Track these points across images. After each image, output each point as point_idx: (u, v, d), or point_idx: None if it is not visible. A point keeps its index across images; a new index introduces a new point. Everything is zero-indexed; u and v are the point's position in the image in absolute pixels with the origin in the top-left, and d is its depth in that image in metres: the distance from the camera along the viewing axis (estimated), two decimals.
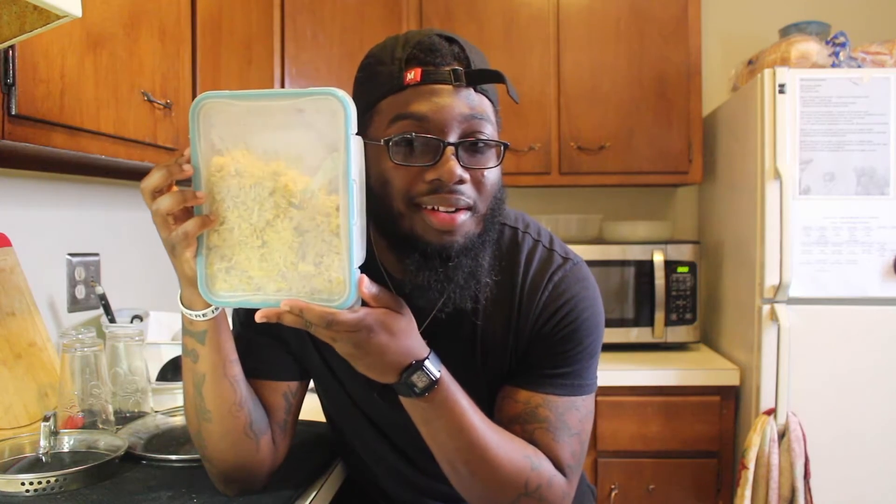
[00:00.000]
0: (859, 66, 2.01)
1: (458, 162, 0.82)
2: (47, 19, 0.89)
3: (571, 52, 2.42)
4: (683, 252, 2.32)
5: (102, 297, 1.54)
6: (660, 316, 2.30)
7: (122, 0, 1.22)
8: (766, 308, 1.97)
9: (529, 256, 0.98)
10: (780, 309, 1.95)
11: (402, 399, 0.84)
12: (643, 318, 2.32)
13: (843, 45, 2.04)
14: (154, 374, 1.50)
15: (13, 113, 0.97)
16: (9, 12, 0.90)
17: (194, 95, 1.50)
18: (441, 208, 0.83)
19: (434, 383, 0.82)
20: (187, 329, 0.87)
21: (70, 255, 1.57)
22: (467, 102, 0.84)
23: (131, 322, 1.62)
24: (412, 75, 0.83)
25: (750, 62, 2.26)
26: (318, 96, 0.72)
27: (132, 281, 1.81)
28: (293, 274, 0.75)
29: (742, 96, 2.18)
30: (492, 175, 0.87)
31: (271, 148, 0.74)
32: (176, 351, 1.53)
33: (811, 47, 2.04)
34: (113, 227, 1.75)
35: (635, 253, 2.32)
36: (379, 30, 2.30)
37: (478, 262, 0.88)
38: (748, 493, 1.91)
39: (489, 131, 0.86)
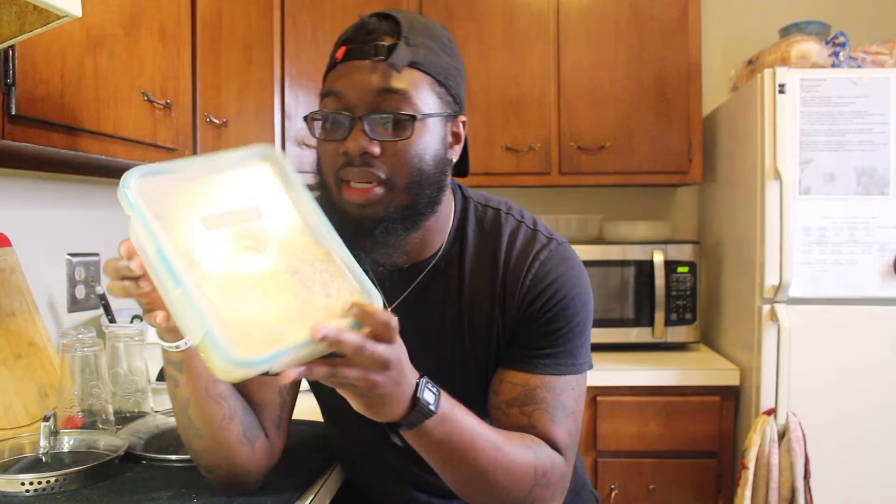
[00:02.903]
0: (859, 66, 2.01)
1: (367, 136, 0.84)
2: (47, 19, 0.89)
3: (571, 52, 2.42)
4: (683, 252, 2.32)
5: (102, 297, 1.54)
6: (660, 316, 2.30)
7: (122, 0, 1.22)
8: (766, 308, 1.97)
9: (512, 235, 0.98)
10: (780, 309, 1.95)
11: (409, 434, 0.79)
12: (643, 318, 2.32)
13: (843, 45, 2.04)
14: (154, 374, 1.50)
15: (13, 113, 0.97)
16: (9, 12, 0.90)
17: (194, 95, 1.50)
18: (354, 183, 0.86)
19: (438, 395, 0.78)
20: (165, 357, 0.87)
21: (70, 255, 1.57)
22: (384, 77, 0.84)
23: (131, 322, 1.62)
24: (339, 53, 0.87)
25: (750, 62, 2.26)
26: (244, 154, 0.73)
27: None
28: (311, 308, 0.69)
29: (742, 96, 2.18)
30: (411, 147, 0.86)
31: (228, 212, 0.71)
32: None
33: (811, 47, 2.04)
34: (113, 227, 1.75)
35: (635, 253, 2.32)
36: None
37: (410, 230, 0.89)
38: (748, 493, 1.91)
39: (414, 104, 0.86)
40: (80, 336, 1.24)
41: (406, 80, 0.85)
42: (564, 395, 0.93)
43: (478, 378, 0.98)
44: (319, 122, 0.88)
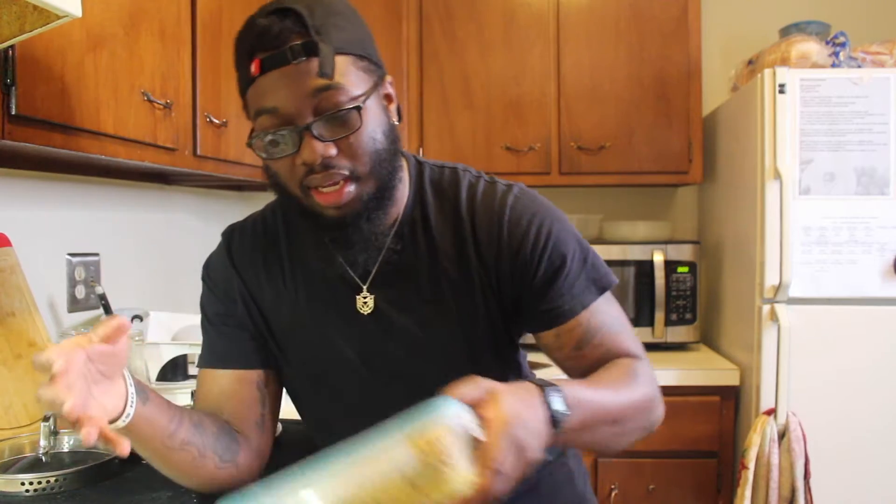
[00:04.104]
0: (859, 66, 2.01)
1: (319, 140, 0.82)
2: (47, 19, 0.90)
3: (571, 52, 2.42)
4: (683, 252, 2.32)
5: (102, 297, 1.54)
6: (660, 316, 2.30)
7: (122, 0, 1.22)
8: (766, 308, 1.97)
9: (471, 188, 0.96)
10: (780, 309, 1.95)
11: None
12: (643, 318, 2.32)
13: (843, 45, 2.04)
14: (154, 374, 1.51)
15: (13, 113, 0.97)
16: (9, 12, 0.90)
17: (194, 95, 1.50)
18: (323, 188, 0.84)
19: (562, 392, 0.76)
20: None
21: (70, 255, 1.57)
22: (313, 77, 0.81)
23: (131, 322, 1.62)
24: (254, 67, 0.82)
25: (750, 62, 2.26)
26: None
27: (132, 281, 1.81)
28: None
29: (742, 96, 2.18)
30: (364, 134, 0.84)
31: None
32: (176, 351, 1.53)
33: (811, 47, 2.04)
34: (113, 227, 1.75)
35: (635, 253, 2.32)
36: (379, 30, 2.29)
37: (387, 207, 0.89)
38: (748, 493, 1.91)
39: (349, 91, 0.83)
40: None
41: (335, 68, 0.82)
42: (611, 308, 0.96)
43: (463, 336, 0.95)
44: (265, 144, 0.84)
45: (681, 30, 2.40)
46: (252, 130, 0.86)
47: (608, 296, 0.96)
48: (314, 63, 0.80)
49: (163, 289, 1.91)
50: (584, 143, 2.41)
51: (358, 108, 0.82)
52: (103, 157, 1.21)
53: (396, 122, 0.92)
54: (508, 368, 1.03)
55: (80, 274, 1.59)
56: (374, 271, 0.95)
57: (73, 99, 1.09)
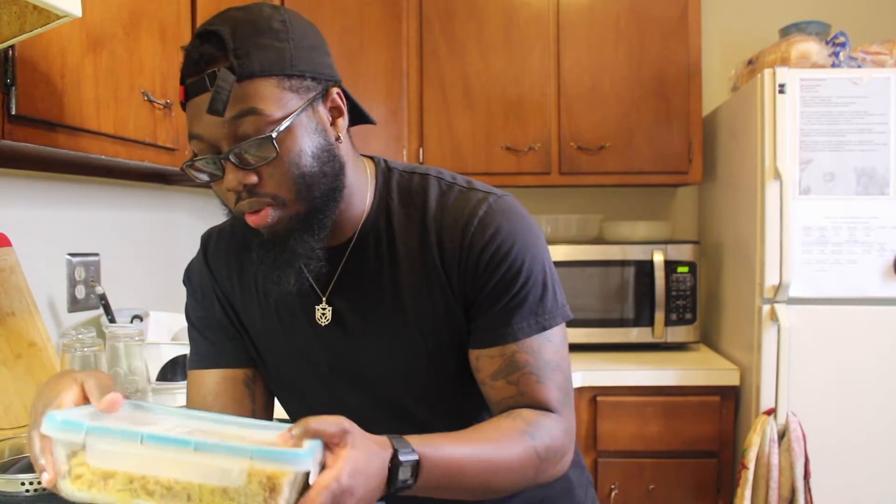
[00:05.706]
0: (859, 66, 2.01)
1: (239, 169, 0.81)
2: (47, 19, 0.90)
3: (571, 52, 2.43)
4: (683, 252, 2.32)
5: (102, 297, 1.54)
6: (660, 316, 2.30)
7: (122, 0, 1.22)
8: (766, 308, 1.97)
9: (442, 195, 0.94)
10: (780, 309, 1.95)
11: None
12: (643, 318, 2.32)
13: (843, 45, 2.04)
14: (154, 374, 1.50)
15: (13, 113, 0.98)
16: (9, 12, 0.90)
17: None
18: (249, 214, 0.84)
19: (418, 462, 0.74)
20: None
21: (70, 255, 1.57)
22: (230, 105, 0.79)
23: (131, 322, 1.62)
24: (181, 94, 0.83)
25: (750, 62, 2.26)
26: None
27: (132, 281, 1.81)
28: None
29: (742, 96, 2.18)
30: (285, 160, 0.82)
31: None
32: (176, 351, 1.53)
33: (811, 47, 2.05)
34: (113, 227, 1.75)
35: (635, 253, 2.32)
36: (379, 30, 2.30)
37: (322, 228, 0.87)
38: (748, 493, 1.91)
39: (267, 115, 0.81)
40: (80, 336, 1.24)
41: (250, 95, 0.80)
42: (544, 351, 0.90)
43: (425, 342, 0.94)
44: (192, 169, 0.85)
45: (681, 30, 2.40)
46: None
47: (553, 336, 0.92)
48: (233, 89, 0.79)
49: (163, 289, 1.91)
50: (584, 143, 2.41)
51: (270, 138, 0.80)
52: (103, 157, 1.21)
53: (339, 138, 0.88)
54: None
55: (80, 274, 1.59)
56: (333, 282, 0.94)
57: (73, 99, 1.09)
